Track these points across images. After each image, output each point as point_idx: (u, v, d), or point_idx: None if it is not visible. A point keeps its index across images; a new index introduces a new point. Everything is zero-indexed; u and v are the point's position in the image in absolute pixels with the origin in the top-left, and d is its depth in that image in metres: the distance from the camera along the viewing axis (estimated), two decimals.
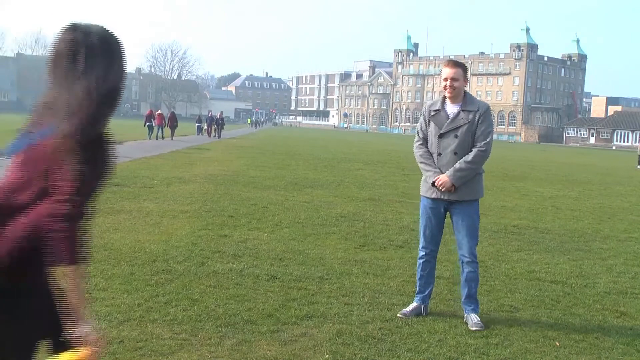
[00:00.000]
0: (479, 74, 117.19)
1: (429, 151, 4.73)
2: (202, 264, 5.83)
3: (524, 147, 72.92)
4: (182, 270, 5.54)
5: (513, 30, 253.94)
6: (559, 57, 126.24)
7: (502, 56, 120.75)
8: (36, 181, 1.85)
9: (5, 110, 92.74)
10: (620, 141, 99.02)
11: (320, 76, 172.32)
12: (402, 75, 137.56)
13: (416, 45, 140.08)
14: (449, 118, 4.63)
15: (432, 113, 4.71)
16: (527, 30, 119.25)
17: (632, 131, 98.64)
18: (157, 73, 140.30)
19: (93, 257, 4.86)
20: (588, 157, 46.71)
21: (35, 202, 1.85)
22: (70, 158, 1.79)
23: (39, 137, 1.85)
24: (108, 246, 6.25)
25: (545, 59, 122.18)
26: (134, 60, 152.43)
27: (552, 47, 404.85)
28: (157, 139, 32.45)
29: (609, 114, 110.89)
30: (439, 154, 4.64)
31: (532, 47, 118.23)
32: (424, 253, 4.80)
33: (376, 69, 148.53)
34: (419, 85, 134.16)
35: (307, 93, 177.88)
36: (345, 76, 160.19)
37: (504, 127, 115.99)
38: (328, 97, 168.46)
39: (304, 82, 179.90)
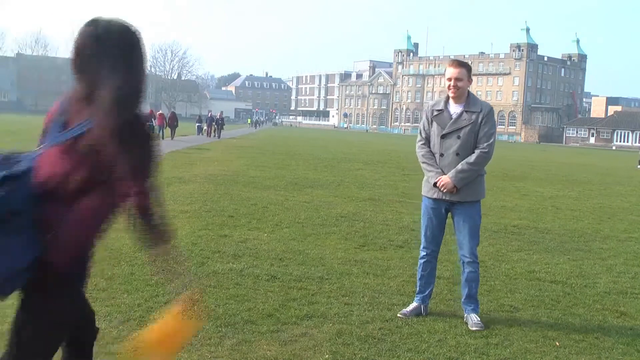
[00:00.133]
0: (479, 74, 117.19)
1: (431, 151, 4.72)
2: (202, 264, 5.83)
3: (524, 147, 72.91)
4: (182, 270, 5.53)
5: (513, 30, 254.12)
6: (559, 57, 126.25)
7: (502, 56, 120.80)
8: (84, 171, 1.97)
9: (5, 110, 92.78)
10: (620, 141, 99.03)
11: (320, 76, 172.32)
12: (402, 75, 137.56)
13: (416, 45, 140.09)
14: (451, 118, 4.61)
15: (435, 113, 4.69)
16: (527, 30, 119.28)
17: (632, 131, 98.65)
18: (157, 73, 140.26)
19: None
20: (588, 157, 46.70)
21: (85, 191, 1.99)
22: (118, 146, 1.93)
23: (81, 129, 1.97)
24: (108, 246, 6.24)
25: (545, 59, 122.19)
26: None
27: (552, 47, 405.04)
28: None
29: (609, 114, 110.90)
30: (441, 155, 4.64)
31: (532, 47, 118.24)
32: (425, 253, 4.80)
33: (376, 69, 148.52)
34: (419, 85, 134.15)
35: (307, 93, 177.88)
36: (345, 76, 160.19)
37: (504, 127, 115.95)
38: (328, 97, 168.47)
39: (304, 82, 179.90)
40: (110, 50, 2.01)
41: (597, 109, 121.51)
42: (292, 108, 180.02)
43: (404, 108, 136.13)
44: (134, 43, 2.07)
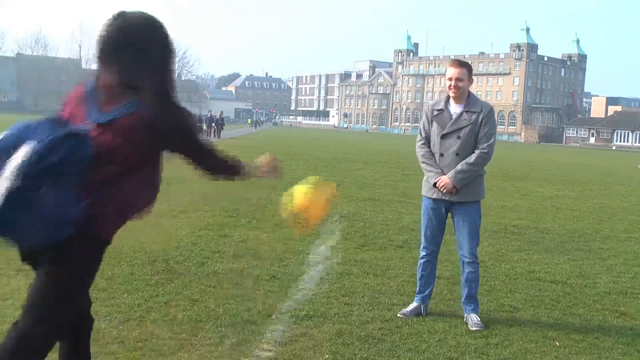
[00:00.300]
0: (479, 74, 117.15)
1: (431, 151, 4.72)
2: (202, 264, 5.83)
3: (524, 147, 72.90)
4: (182, 270, 5.54)
5: (513, 30, 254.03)
6: (559, 57, 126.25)
7: (502, 56, 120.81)
8: (126, 149, 2.16)
9: (5, 110, 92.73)
10: (620, 141, 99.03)
11: (320, 76, 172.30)
12: (402, 75, 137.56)
13: (416, 45, 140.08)
14: (452, 118, 4.61)
15: (435, 113, 4.69)
16: (527, 30, 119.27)
17: (632, 131, 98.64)
18: None
19: None
20: (588, 157, 46.70)
21: (127, 169, 2.20)
22: (164, 124, 2.21)
23: (120, 112, 2.16)
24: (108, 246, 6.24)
25: (545, 59, 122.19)
26: None
27: (552, 47, 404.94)
28: None
29: (609, 114, 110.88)
30: (441, 155, 4.63)
31: (532, 47, 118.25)
32: (424, 253, 4.79)
33: (376, 69, 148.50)
34: (419, 85, 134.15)
35: (307, 93, 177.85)
36: (345, 76, 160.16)
37: (504, 127, 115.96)
38: (328, 97, 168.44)
39: (304, 82, 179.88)
40: (139, 42, 2.21)
41: (597, 109, 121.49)
42: (292, 108, 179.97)
43: (404, 108, 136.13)
44: (158, 32, 2.29)
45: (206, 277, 5.37)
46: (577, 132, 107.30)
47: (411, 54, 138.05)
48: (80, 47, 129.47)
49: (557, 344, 4.22)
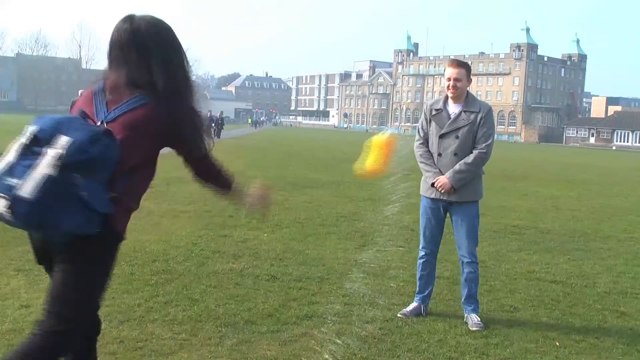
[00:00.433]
0: (479, 74, 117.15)
1: (429, 151, 4.72)
2: (202, 264, 5.84)
3: (524, 147, 72.90)
4: (182, 270, 5.55)
5: (513, 30, 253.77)
6: (559, 57, 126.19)
7: (502, 56, 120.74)
8: (142, 141, 2.24)
9: (5, 110, 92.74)
10: (620, 141, 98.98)
11: (320, 76, 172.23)
12: (402, 75, 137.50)
13: (416, 45, 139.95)
14: (450, 118, 4.61)
15: (434, 112, 4.69)
16: (527, 30, 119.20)
17: (632, 131, 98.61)
18: None
19: None
20: (588, 157, 46.70)
21: (137, 163, 2.26)
22: (172, 118, 2.26)
23: (128, 106, 2.23)
24: None
25: (545, 59, 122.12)
26: None
27: (552, 47, 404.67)
28: None
29: (609, 114, 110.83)
30: (439, 155, 4.63)
31: (532, 47, 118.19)
32: (423, 253, 4.80)
33: (376, 69, 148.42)
34: (419, 85, 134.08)
35: (307, 93, 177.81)
36: (345, 76, 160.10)
37: (504, 127, 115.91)
38: (328, 97, 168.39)
39: (304, 82, 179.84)
40: (148, 43, 2.28)
41: (597, 109, 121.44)
42: (292, 108, 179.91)
43: (404, 108, 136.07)
44: (166, 32, 2.35)
45: (206, 277, 5.37)
46: (577, 132, 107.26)
47: (411, 54, 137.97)
48: (80, 47, 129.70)
49: (557, 344, 4.22)
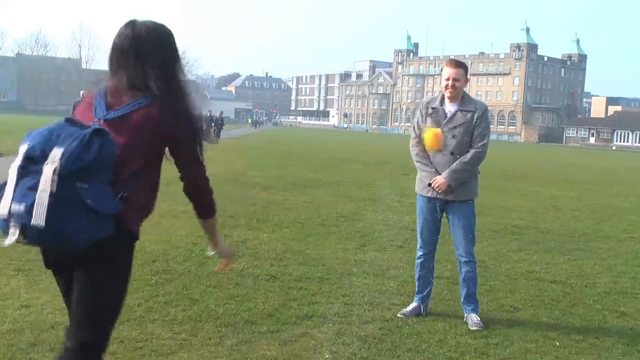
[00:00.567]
0: (479, 74, 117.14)
1: (425, 150, 4.71)
2: (202, 264, 5.83)
3: (524, 147, 72.90)
4: (182, 270, 5.55)
5: (513, 30, 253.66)
6: (559, 57, 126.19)
7: (502, 56, 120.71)
8: (143, 144, 2.24)
9: (5, 110, 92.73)
10: (620, 141, 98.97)
11: (320, 76, 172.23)
12: (402, 75, 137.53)
13: (416, 45, 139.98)
14: (446, 117, 4.61)
15: (430, 110, 4.67)
16: (527, 30, 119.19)
17: (632, 131, 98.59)
18: None
19: None
20: (588, 157, 46.71)
21: (144, 164, 2.27)
22: (173, 121, 2.28)
23: (131, 108, 2.24)
24: None
25: (545, 59, 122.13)
26: None
27: (552, 47, 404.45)
28: None
29: (609, 114, 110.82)
30: (436, 154, 4.63)
31: (532, 47, 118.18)
32: (421, 253, 4.79)
33: (376, 69, 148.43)
34: (419, 85, 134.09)
35: (307, 93, 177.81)
36: (345, 76, 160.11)
37: (504, 127, 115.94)
38: (328, 97, 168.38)
39: (304, 82, 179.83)
40: (150, 48, 2.31)
41: (597, 109, 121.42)
42: (292, 108, 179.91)
43: (404, 108, 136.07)
44: (167, 38, 2.39)
45: (206, 277, 5.37)
46: (577, 132, 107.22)
47: (411, 54, 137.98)
48: (80, 47, 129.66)
49: (557, 344, 4.22)
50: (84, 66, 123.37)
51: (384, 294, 5.21)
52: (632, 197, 15.86)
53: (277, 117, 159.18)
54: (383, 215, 9.74)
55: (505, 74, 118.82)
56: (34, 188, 1.98)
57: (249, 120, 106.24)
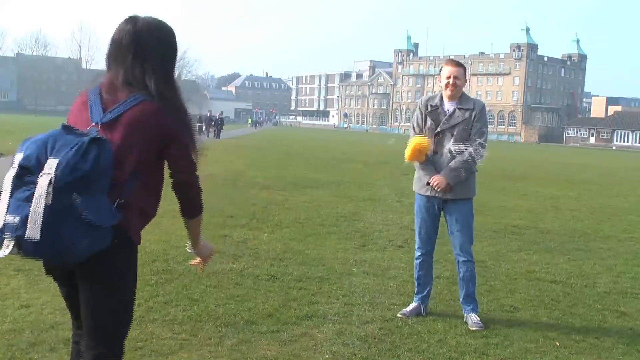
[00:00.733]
0: (479, 74, 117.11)
1: None
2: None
3: (524, 147, 72.87)
4: (182, 270, 5.54)
5: (513, 30, 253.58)
6: (559, 57, 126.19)
7: (502, 56, 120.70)
8: (142, 142, 2.19)
9: (5, 110, 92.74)
10: (620, 141, 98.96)
11: (320, 76, 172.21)
12: (402, 75, 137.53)
13: (416, 45, 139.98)
14: (445, 115, 4.61)
15: (430, 108, 4.67)
16: (527, 30, 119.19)
17: (632, 131, 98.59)
18: None
19: None
20: (588, 157, 46.70)
21: (143, 167, 2.22)
22: (171, 119, 2.24)
23: (128, 106, 2.19)
24: None
25: (545, 59, 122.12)
26: None
27: (552, 47, 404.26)
28: None
29: (609, 114, 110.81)
30: (435, 152, 4.63)
31: (532, 47, 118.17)
32: (420, 253, 4.79)
33: (376, 69, 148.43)
34: (419, 85, 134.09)
35: (307, 93, 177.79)
36: (345, 76, 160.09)
37: (504, 127, 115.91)
38: (328, 97, 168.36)
39: (304, 82, 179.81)
40: (150, 45, 2.27)
41: (597, 109, 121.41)
42: (292, 108, 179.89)
43: (404, 108, 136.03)
44: (166, 35, 2.35)
45: (206, 277, 5.37)
46: (577, 132, 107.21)
47: (411, 54, 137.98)
48: (80, 47, 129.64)
49: (557, 344, 4.22)
50: (84, 66, 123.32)
51: (384, 294, 5.21)
52: (632, 197, 15.86)
53: (277, 117, 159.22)
54: (383, 215, 9.74)
55: (505, 74, 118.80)
56: (29, 200, 1.93)
57: (249, 120, 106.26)
